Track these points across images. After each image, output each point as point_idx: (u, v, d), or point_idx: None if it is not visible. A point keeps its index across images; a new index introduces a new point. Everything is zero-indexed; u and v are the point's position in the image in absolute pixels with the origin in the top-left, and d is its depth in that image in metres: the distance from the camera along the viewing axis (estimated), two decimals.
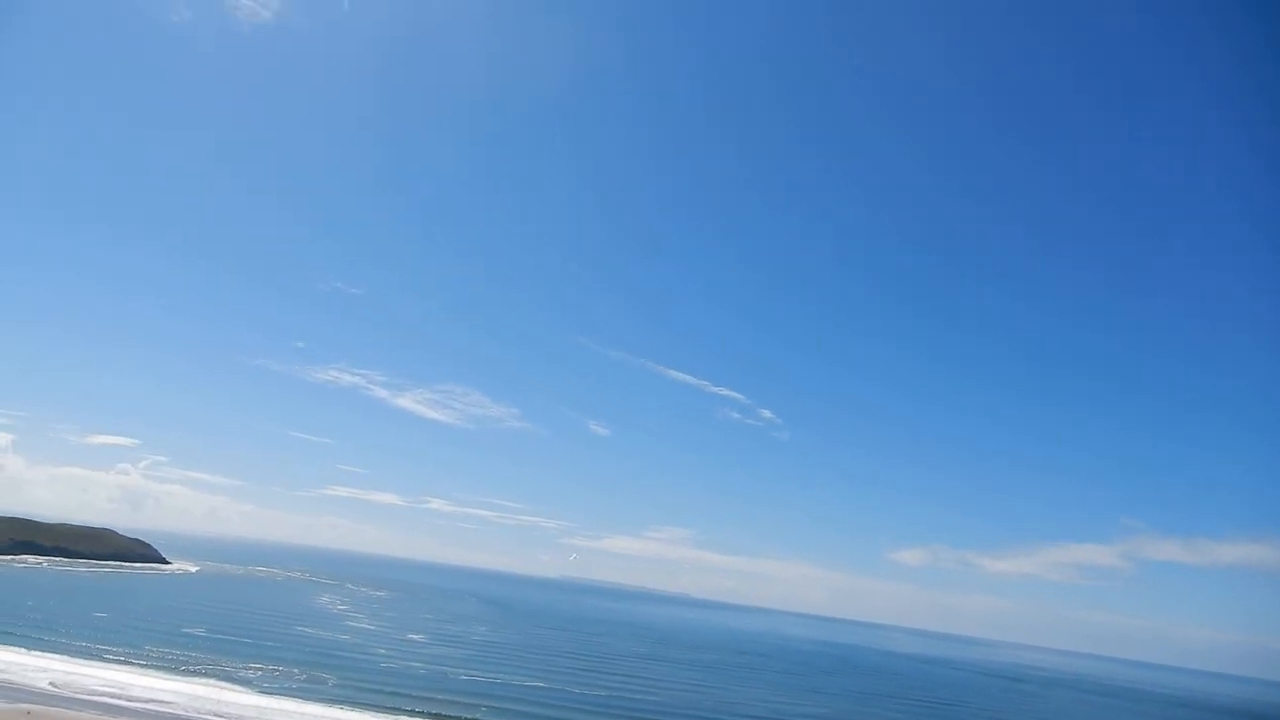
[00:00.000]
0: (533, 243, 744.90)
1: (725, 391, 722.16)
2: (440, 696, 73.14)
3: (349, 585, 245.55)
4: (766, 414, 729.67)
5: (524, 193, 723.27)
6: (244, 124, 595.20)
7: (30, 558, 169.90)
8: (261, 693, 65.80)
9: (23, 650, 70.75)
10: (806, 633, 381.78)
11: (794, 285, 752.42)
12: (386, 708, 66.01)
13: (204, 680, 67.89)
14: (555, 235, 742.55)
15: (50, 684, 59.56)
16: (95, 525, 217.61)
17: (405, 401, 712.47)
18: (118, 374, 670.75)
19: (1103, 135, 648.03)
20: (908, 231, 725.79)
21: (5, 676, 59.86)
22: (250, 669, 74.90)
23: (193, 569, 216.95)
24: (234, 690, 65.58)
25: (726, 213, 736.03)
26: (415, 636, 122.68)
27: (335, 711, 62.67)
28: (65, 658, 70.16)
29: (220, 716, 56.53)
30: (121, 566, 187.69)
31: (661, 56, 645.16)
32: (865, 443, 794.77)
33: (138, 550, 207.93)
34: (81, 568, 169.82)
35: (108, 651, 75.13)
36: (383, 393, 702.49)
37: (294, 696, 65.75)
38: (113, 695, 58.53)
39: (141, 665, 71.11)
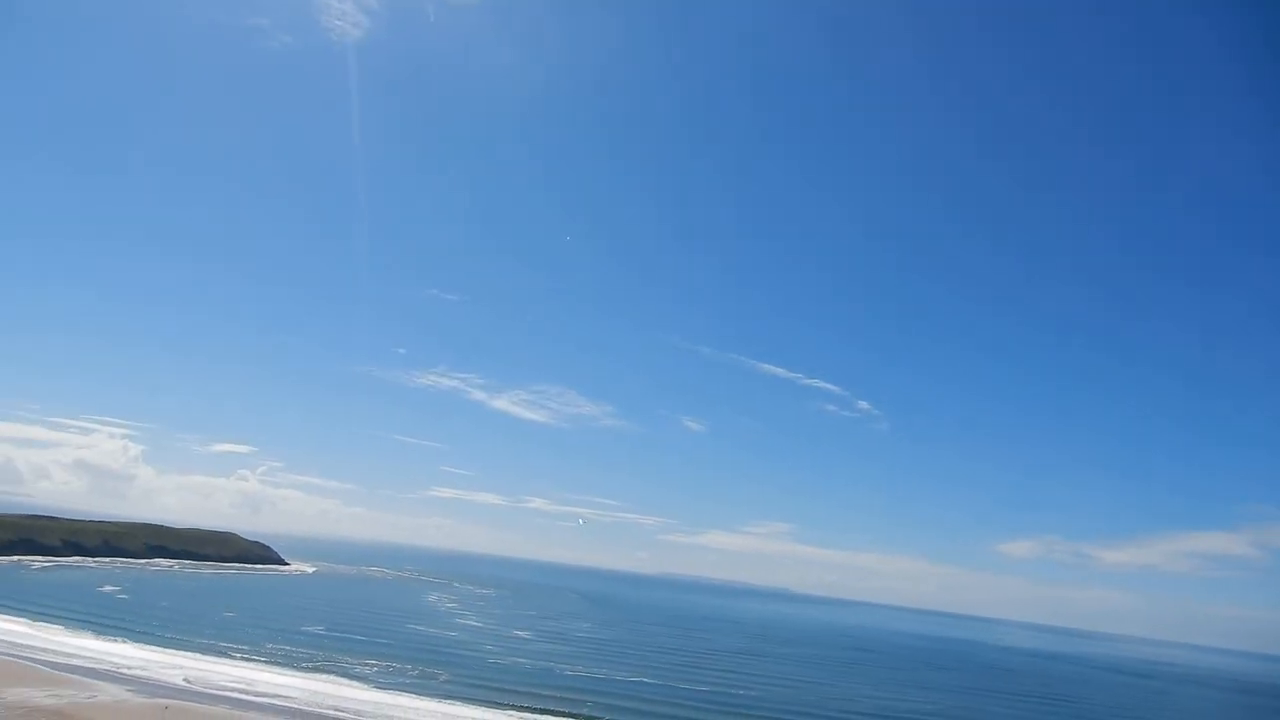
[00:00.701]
0: (617, 242, 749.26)
1: (820, 384, 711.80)
2: (547, 692, 74.32)
3: (455, 584, 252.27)
4: (864, 405, 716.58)
5: (606, 193, 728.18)
6: (340, 139, 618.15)
7: (162, 561, 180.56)
8: (377, 688, 68.14)
9: (158, 648, 75.14)
10: (912, 627, 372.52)
11: (887, 275, 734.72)
12: (496, 703, 67.42)
13: (323, 676, 70.73)
14: (639, 234, 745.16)
15: (184, 680, 63.03)
16: (219, 529, 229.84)
17: (502, 403, 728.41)
18: (235, 385, 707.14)
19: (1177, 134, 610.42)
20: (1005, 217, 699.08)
21: (144, 673, 63.66)
22: (366, 665, 77.69)
23: (309, 570, 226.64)
24: (351, 686, 68.10)
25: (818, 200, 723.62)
26: (521, 633, 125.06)
27: (448, 706, 64.35)
28: (196, 655, 74.19)
29: (339, 711, 58.75)
30: (244, 568, 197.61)
31: (706, 44, 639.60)
32: (968, 432, 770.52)
33: (258, 552, 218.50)
34: (207, 570, 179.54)
35: (234, 649, 79.12)
36: (481, 395, 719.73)
37: (408, 692, 67.86)
38: (240, 690, 61.57)
39: (265, 661, 74.60)
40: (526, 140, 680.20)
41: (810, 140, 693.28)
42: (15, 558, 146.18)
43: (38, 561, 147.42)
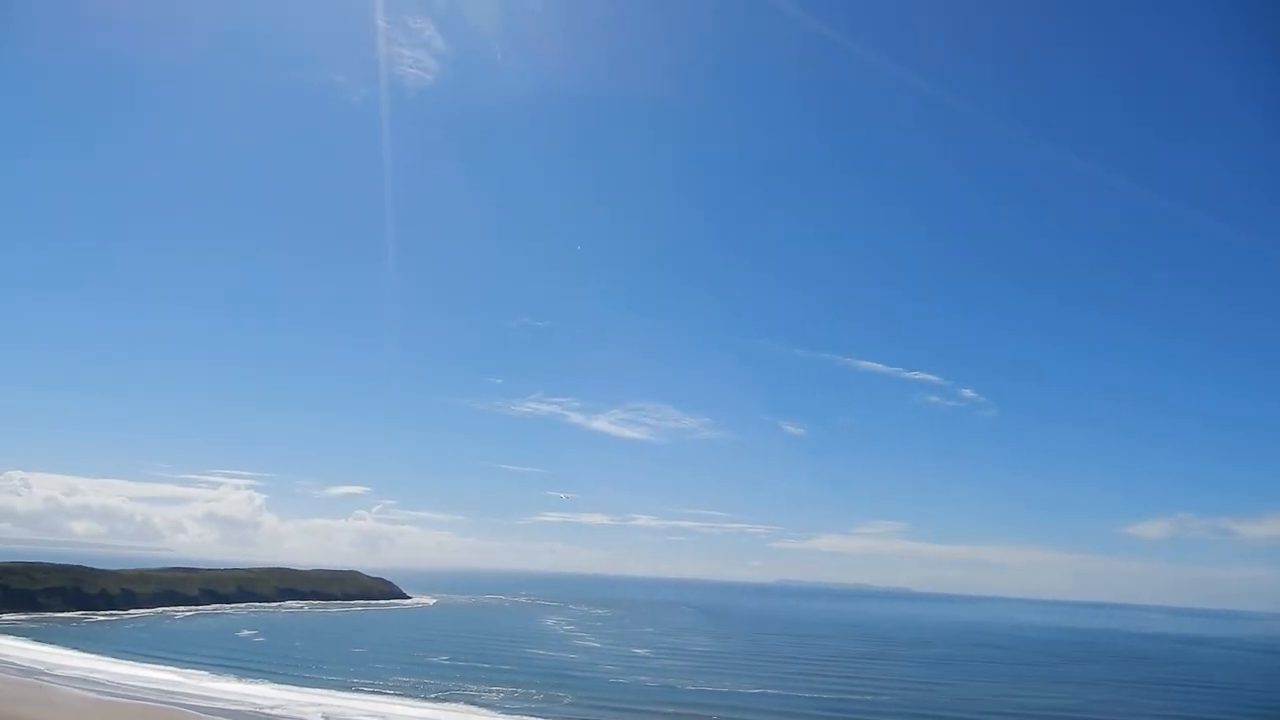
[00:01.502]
0: (700, 253, 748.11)
1: (920, 375, 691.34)
2: (671, 709, 74.14)
3: (570, 606, 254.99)
4: (968, 393, 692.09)
5: (681, 205, 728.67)
6: (420, 183, 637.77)
7: (292, 603, 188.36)
8: (505, 714, 69.26)
9: (296, 688, 78.27)
10: (1044, 619, 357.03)
11: (980, 252, 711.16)
12: None
13: (452, 705, 72.33)
14: (720, 239, 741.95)
15: (323, 716, 65.40)
16: (342, 569, 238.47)
17: (601, 423, 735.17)
18: (345, 431, 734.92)
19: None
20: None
21: (284, 713, 66.36)
22: (492, 692, 79.10)
23: (430, 601, 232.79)
24: (480, 714, 69.41)
25: (901, 173, 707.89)
26: (640, 651, 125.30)
27: None
28: (331, 692, 76.95)
29: None
30: (369, 604, 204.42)
31: (772, 63, 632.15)
32: (1082, 409, 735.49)
33: (380, 588, 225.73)
34: (335, 608, 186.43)
35: (366, 683, 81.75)
36: (579, 417, 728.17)
37: (534, 716, 68.76)
38: None
39: (396, 694, 76.80)
40: (595, 162, 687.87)
41: (879, 135, 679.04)
42: (160, 609, 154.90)
43: (180, 611, 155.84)
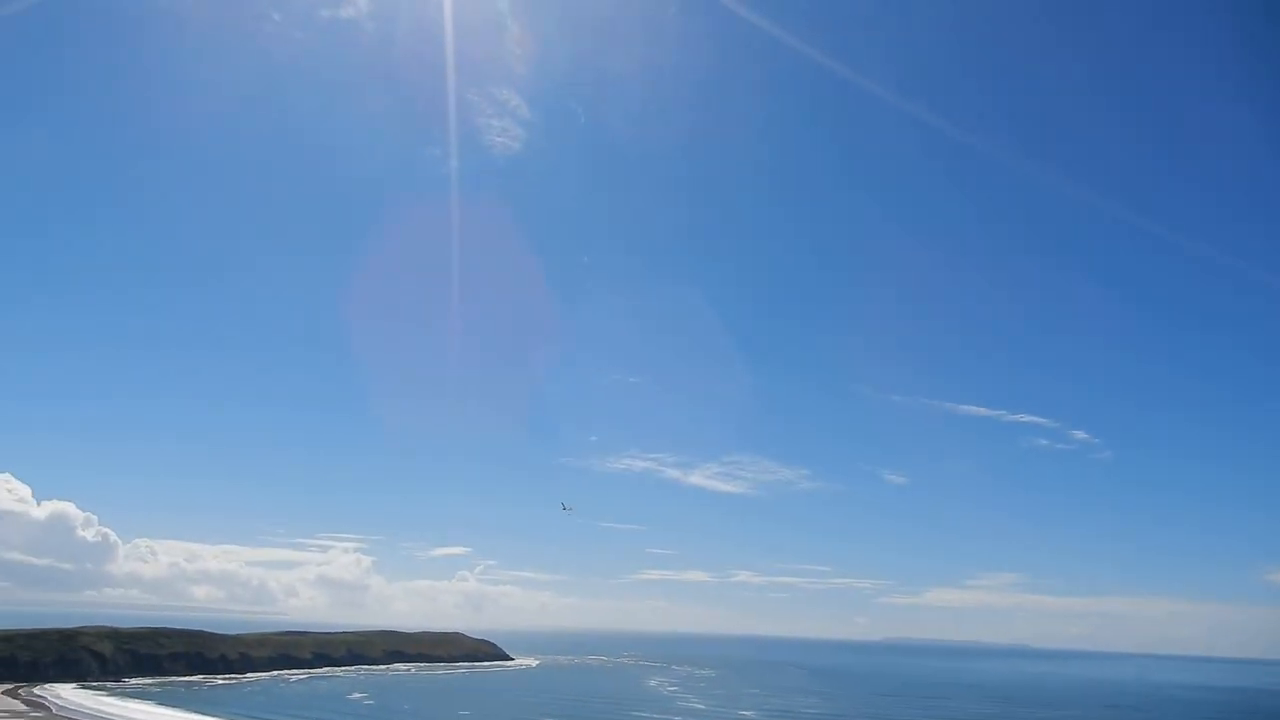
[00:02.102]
0: (791, 302, 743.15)
1: (1026, 418, 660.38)
2: None
3: (673, 666, 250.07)
4: (1080, 435, 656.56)
5: (772, 251, 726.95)
6: (517, 246, 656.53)
7: (399, 665, 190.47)
8: None
9: None
10: (1183, 677, 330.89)
11: (1089, 281, 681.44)
12: None
13: None
14: (810, 287, 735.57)
15: None
16: (446, 630, 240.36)
17: (697, 478, 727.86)
18: (446, 494, 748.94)
19: None
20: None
21: None
22: None
23: (533, 663, 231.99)
24: None
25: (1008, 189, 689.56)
26: (747, 713, 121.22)
27: None
28: None
29: None
30: (473, 666, 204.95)
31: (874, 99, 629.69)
32: (1208, 449, 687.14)
33: (484, 650, 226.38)
34: (440, 670, 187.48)
35: None
36: (675, 473, 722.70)
37: None
38: None
39: None
40: (679, 213, 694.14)
41: (978, 163, 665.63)
42: (275, 673, 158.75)
43: (294, 674, 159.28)
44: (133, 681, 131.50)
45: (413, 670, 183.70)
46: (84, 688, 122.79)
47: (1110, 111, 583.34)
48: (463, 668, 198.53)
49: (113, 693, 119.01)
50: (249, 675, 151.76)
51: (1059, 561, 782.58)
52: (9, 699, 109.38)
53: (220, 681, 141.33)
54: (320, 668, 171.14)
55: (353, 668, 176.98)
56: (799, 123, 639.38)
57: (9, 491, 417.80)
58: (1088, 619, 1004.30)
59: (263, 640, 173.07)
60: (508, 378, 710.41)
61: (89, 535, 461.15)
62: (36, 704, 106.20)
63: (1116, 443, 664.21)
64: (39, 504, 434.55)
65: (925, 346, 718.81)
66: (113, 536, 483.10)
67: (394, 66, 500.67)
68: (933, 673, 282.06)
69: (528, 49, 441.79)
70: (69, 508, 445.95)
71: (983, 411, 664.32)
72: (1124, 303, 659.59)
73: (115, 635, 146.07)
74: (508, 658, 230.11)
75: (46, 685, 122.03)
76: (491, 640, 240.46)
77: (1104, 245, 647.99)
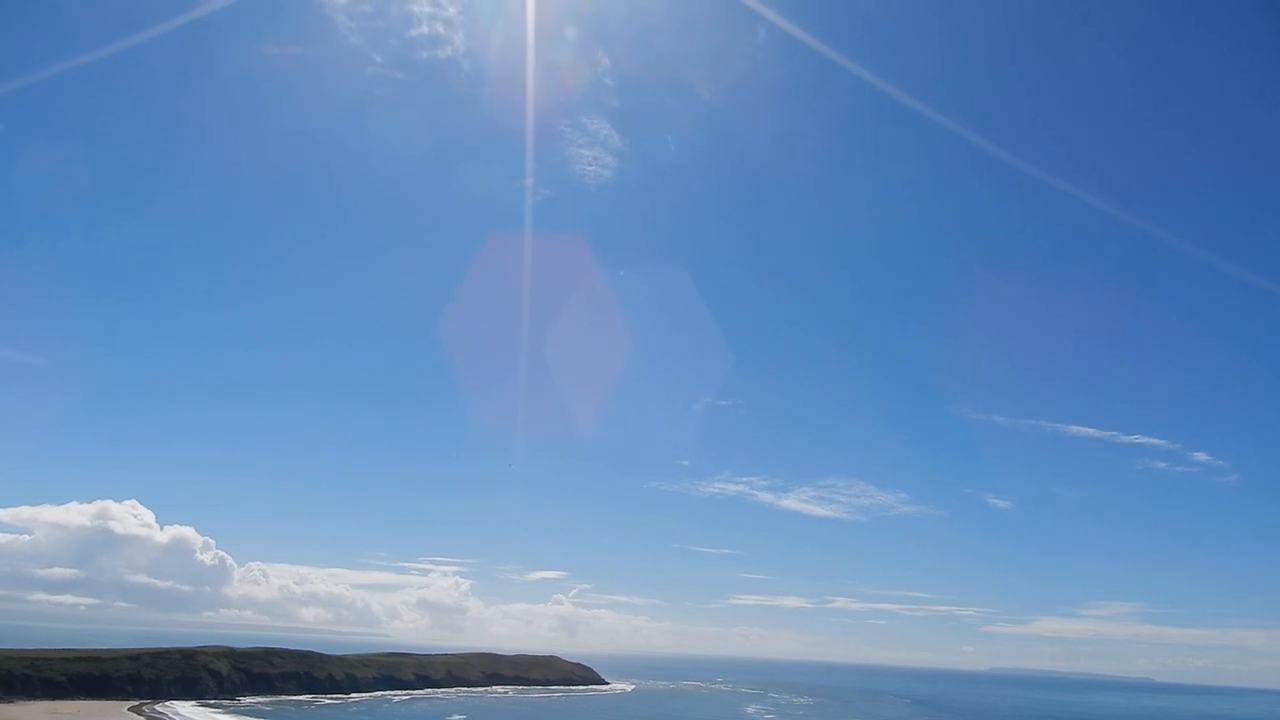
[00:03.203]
0: (885, 319, 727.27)
1: (1141, 439, 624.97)
2: None
3: (770, 694, 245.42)
4: (1201, 457, 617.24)
5: (858, 271, 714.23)
6: (603, 269, 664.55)
7: (498, 688, 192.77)
8: None
9: None
10: None
11: (1205, 291, 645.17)
12: None
13: None
14: (904, 303, 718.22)
15: None
16: (542, 653, 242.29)
17: (791, 502, 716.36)
18: (543, 517, 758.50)
19: None
20: None
21: None
22: None
23: (628, 688, 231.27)
24: None
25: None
26: None
27: None
28: None
29: None
30: (570, 690, 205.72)
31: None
32: None
33: (580, 674, 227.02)
34: (536, 693, 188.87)
35: None
36: (768, 496, 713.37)
37: None
38: None
39: None
40: (766, 236, 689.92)
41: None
42: (379, 694, 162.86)
43: (396, 695, 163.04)
44: (247, 700, 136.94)
45: (510, 693, 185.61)
46: (203, 705, 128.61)
47: (1181, 144, 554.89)
48: (559, 691, 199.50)
49: (229, 710, 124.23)
50: (354, 695, 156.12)
51: (1182, 590, 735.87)
52: (135, 715, 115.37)
53: (328, 701, 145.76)
54: (421, 689, 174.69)
55: (452, 690, 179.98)
56: (867, 151, 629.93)
57: (135, 517, 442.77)
58: (1214, 651, 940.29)
59: (367, 661, 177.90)
60: (599, 403, 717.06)
61: (207, 559, 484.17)
62: None
63: (1243, 465, 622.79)
64: (162, 529, 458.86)
65: (1030, 364, 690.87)
66: (229, 560, 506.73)
67: (488, 101, 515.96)
68: (1048, 706, 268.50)
69: (617, 80, 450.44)
70: (189, 532, 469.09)
71: (1094, 433, 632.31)
72: (1249, 314, 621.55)
73: (231, 655, 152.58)
74: (603, 682, 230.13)
75: (168, 703, 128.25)
76: (587, 664, 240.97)
77: (1230, 255, 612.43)
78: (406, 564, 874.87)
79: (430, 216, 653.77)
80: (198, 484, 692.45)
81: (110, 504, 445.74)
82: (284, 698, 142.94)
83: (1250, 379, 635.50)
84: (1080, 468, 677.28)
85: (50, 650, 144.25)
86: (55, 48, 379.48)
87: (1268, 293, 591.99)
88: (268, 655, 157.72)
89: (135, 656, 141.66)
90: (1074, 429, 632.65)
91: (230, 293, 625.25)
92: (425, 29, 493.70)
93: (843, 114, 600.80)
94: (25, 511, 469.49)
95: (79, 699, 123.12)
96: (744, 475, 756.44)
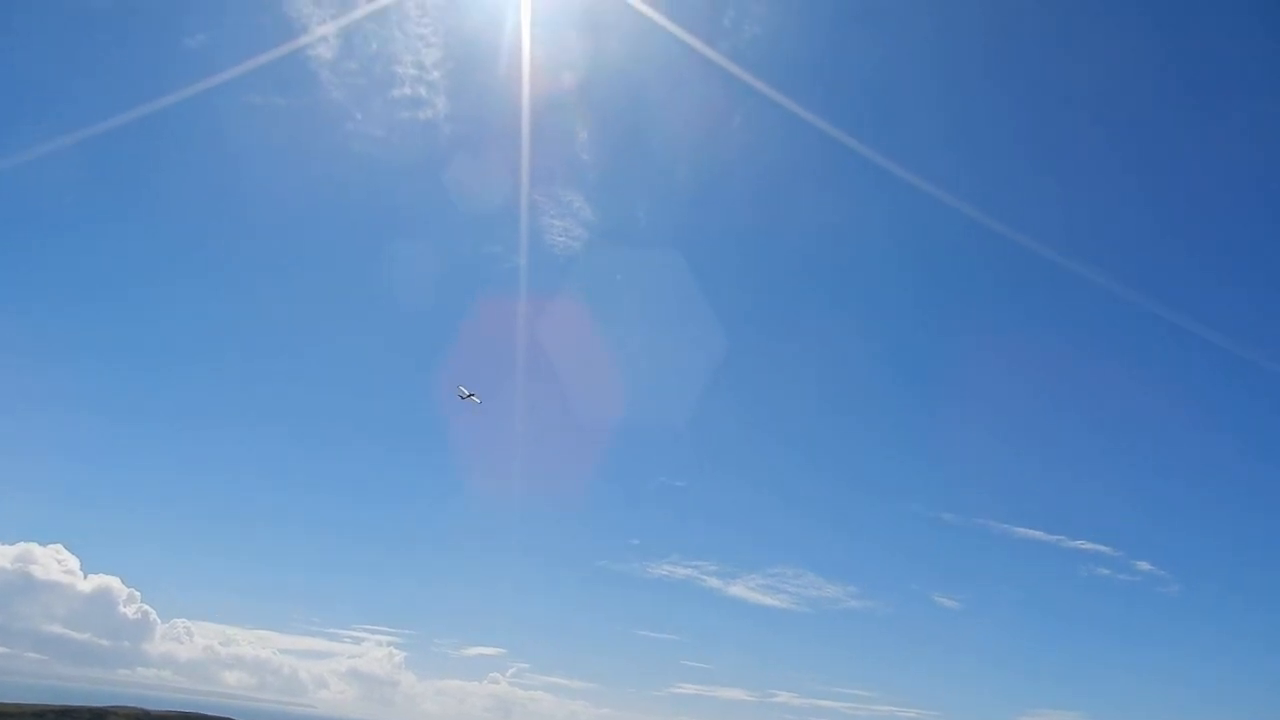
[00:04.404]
0: (841, 414, 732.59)
1: (1086, 545, 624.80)
2: None
3: None
4: (1144, 566, 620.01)
5: (821, 361, 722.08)
6: (560, 341, 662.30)
7: None
8: None
9: None
10: None
11: (1157, 400, 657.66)
12: None
13: None
14: (862, 400, 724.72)
15: None
16: None
17: (738, 589, 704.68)
18: (484, 590, 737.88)
19: None
20: None
21: None
22: None
23: None
24: None
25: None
26: None
27: None
28: None
29: None
30: None
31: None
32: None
33: None
34: None
35: None
36: (715, 582, 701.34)
37: None
38: None
39: None
40: (728, 317, 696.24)
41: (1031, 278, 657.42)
42: None
43: None
44: None
45: None
46: None
47: (1181, 224, 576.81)
48: None
49: None
50: None
51: (1123, 700, 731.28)
52: None
53: None
54: None
55: None
56: (857, 225, 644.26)
57: (59, 563, 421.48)
58: None
59: None
60: (551, 475, 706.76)
61: (130, 612, 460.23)
62: None
63: (1183, 576, 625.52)
64: (86, 577, 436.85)
65: (980, 462, 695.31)
66: (153, 615, 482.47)
67: (465, 166, 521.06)
68: None
69: (594, 154, 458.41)
70: (115, 582, 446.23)
71: (1041, 536, 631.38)
72: (1194, 426, 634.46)
73: (144, 718, 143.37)
74: None
75: None
76: None
77: (1176, 362, 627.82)
78: (339, 631, 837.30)
79: (392, 272, 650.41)
80: (127, 528, 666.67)
81: (34, 547, 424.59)
82: None
83: (1195, 491, 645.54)
84: (1027, 570, 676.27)
85: None
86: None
87: (1218, 410, 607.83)
88: None
89: (40, 714, 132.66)
90: (1021, 531, 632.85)
91: (194, 340, 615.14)
92: (408, 90, 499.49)
93: (825, 186, 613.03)
94: None
95: None
96: (694, 559, 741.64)
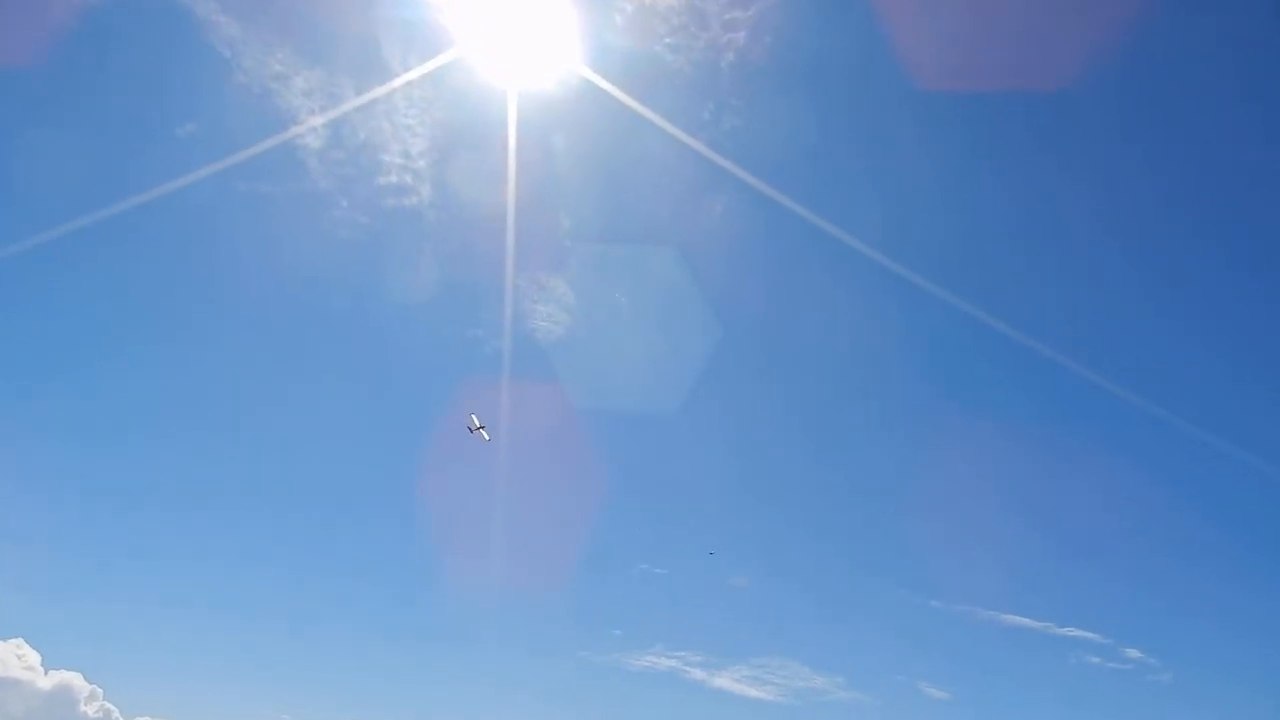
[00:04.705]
0: (828, 498, 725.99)
1: (1075, 632, 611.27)
2: None
3: None
4: (1134, 653, 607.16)
5: (806, 451, 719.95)
6: (543, 426, 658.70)
7: None
8: None
9: None
10: None
11: (1147, 489, 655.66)
12: None
13: None
14: (849, 482, 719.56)
15: None
16: None
17: (723, 681, 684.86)
18: (464, 682, 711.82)
19: None
20: None
21: None
22: None
23: None
24: None
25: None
26: None
27: None
28: None
29: None
30: None
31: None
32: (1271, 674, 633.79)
33: None
34: None
35: None
36: (700, 674, 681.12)
37: None
38: None
39: None
40: (712, 405, 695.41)
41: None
42: None
43: None
44: None
45: None
46: None
47: (1175, 319, 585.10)
48: None
49: None
50: None
51: None
52: None
53: None
54: None
55: None
56: (843, 310, 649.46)
57: (19, 658, 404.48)
58: None
59: None
60: (531, 563, 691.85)
61: (91, 710, 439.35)
62: None
63: (1175, 664, 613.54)
64: (46, 673, 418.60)
65: (969, 548, 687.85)
66: (116, 714, 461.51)
67: (450, 252, 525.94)
68: None
69: (576, 241, 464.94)
70: (76, 679, 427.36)
71: (1030, 623, 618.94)
72: (1182, 511, 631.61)
73: None
74: None
75: None
76: None
77: (1168, 453, 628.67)
78: None
79: (374, 356, 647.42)
80: (91, 621, 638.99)
81: None
82: None
83: (1188, 578, 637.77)
84: (1015, 658, 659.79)
85: None
86: None
87: (1208, 498, 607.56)
88: None
89: None
90: (1009, 618, 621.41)
91: (166, 424, 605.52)
92: (394, 178, 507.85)
93: (819, 284, 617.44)
94: None
95: None
96: (678, 649, 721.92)
